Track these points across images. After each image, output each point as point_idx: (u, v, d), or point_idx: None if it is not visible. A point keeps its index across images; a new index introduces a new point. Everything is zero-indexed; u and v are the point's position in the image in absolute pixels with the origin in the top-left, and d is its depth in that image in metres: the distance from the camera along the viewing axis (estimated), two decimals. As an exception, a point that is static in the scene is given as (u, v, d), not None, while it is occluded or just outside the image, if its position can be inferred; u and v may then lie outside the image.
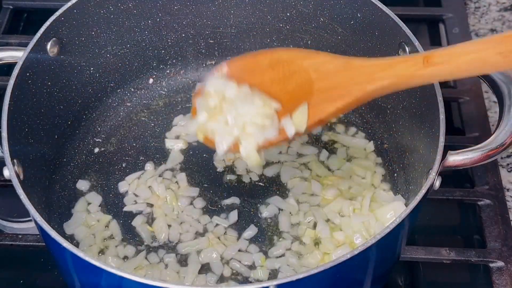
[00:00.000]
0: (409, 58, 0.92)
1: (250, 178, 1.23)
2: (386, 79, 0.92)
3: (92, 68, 1.25)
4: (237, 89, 1.00)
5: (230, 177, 1.23)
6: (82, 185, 1.22)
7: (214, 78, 1.03)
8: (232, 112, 1.00)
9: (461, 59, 0.87)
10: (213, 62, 1.37)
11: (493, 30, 1.52)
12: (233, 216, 1.17)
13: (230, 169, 1.24)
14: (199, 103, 1.03)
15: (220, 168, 1.24)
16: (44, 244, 1.10)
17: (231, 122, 1.00)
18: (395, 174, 1.21)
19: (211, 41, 1.34)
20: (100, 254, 1.13)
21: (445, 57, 0.88)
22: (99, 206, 1.19)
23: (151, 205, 1.19)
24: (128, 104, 1.33)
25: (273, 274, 1.10)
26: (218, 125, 1.01)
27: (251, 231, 1.15)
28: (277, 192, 1.21)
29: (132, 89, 1.34)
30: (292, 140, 1.25)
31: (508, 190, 1.26)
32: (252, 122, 0.99)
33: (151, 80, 1.35)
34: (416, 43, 1.08)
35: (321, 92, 0.97)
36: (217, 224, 1.16)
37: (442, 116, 1.00)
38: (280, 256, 1.12)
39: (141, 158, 1.26)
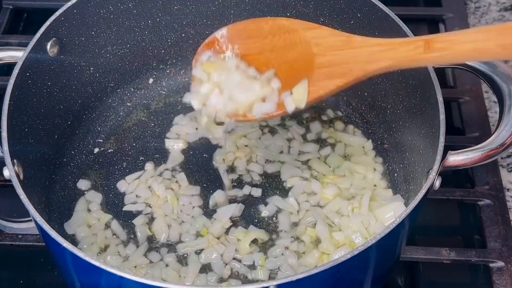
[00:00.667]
0: (411, 40, 0.93)
1: (251, 177, 1.23)
2: (388, 60, 0.93)
3: (92, 68, 1.25)
4: (233, 74, 1.01)
5: (230, 176, 1.23)
6: (82, 185, 1.22)
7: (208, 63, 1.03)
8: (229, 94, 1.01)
9: (462, 46, 0.87)
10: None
11: (493, 30, 1.52)
12: (233, 216, 1.17)
13: (231, 168, 1.24)
14: (197, 79, 1.04)
15: (220, 168, 1.24)
16: (44, 244, 1.10)
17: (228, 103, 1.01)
18: (395, 174, 1.21)
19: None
20: (100, 254, 1.13)
21: (446, 43, 0.89)
22: (99, 205, 1.19)
23: (151, 205, 1.19)
24: (128, 104, 1.33)
25: (273, 274, 1.10)
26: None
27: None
28: (277, 192, 1.21)
29: (132, 89, 1.34)
30: (292, 138, 1.26)
31: (508, 190, 1.26)
32: (249, 105, 1.00)
33: (151, 80, 1.35)
34: (416, 43, 1.07)
35: (322, 67, 0.98)
36: (217, 225, 1.16)
37: (442, 116, 1.00)
38: (279, 256, 1.12)
39: (141, 158, 1.26)
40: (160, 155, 1.26)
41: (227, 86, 1.01)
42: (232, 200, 1.20)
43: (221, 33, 1.04)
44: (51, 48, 1.13)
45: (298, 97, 0.99)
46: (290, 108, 0.99)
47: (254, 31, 1.03)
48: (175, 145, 1.27)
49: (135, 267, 1.11)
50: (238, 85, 1.01)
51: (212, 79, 1.02)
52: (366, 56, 0.95)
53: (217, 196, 1.19)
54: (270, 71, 1.01)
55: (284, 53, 1.01)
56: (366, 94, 1.27)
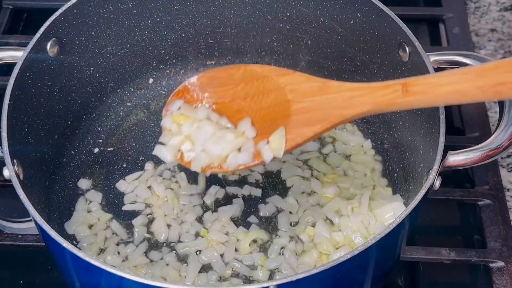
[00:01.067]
0: (388, 84, 0.90)
1: (253, 177, 1.23)
2: (366, 105, 0.91)
3: (92, 68, 1.25)
4: (205, 126, 0.99)
5: (230, 177, 1.23)
6: (82, 184, 1.22)
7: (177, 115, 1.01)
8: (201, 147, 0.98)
9: (440, 90, 0.86)
10: (213, 62, 1.37)
11: (493, 30, 1.52)
12: (234, 216, 1.17)
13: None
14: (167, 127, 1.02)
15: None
16: (44, 244, 1.10)
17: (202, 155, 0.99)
18: (395, 174, 1.21)
19: (211, 41, 1.34)
20: (100, 253, 1.13)
21: (424, 87, 0.87)
22: (99, 205, 1.19)
23: (151, 205, 1.19)
24: (128, 104, 1.33)
25: (272, 274, 1.10)
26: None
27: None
28: (277, 192, 1.21)
29: (132, 89, 1.34)
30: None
31: (508, 190, 1.26)
32: (225, 156, 0.98)
33: (151, 80, 1.35)
34: (416, 43, 1.08)
35: (298, 114, 0.96)
36: (216, 224, 1.16)
37: (442, 116, 1.00)
38: (279, 256, 1.12)
39: (141, 158, 1.26)
40: (160, 155, 1.26)
41: (199, 138, 0.99)
42: (231, 197, 1.20)
43: (192, 81, 1.02)
44: (51, 48, 1.13)
45: (275, 146, 0.96)
46: (268, 157, 0.96)
47: (225, 79, 1.01)
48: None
49: (135, 266, 1.11)
50: (210, 136, 0.98)
51: (182, 131, 1.00)
52: (344, 102, 0.93)
53: (214, 192, 1.20)
54: (244, 120, 0.99)
55: (258, 101, 0.99)
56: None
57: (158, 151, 1.02)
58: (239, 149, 0.98)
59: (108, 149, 1.27)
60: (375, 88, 0.91)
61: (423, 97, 0.87)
